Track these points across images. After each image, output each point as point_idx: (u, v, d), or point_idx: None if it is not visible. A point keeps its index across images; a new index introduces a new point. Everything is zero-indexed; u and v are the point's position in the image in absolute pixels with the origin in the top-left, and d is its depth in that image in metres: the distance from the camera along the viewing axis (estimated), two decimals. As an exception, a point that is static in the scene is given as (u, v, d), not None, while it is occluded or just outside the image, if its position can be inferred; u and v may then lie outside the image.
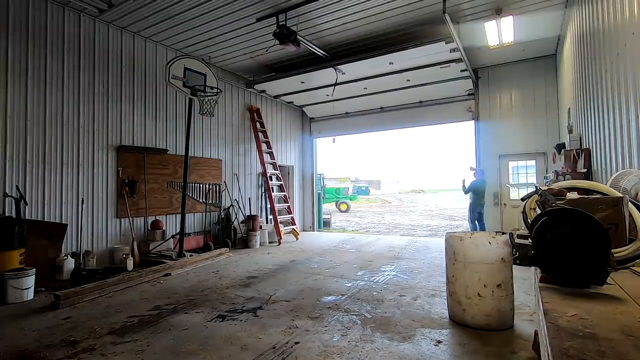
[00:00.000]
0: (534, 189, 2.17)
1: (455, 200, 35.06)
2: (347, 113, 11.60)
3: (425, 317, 3.82)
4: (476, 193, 8.49)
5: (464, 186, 8.67)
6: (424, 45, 6.98)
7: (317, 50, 7.74)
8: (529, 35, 7.28)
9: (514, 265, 3.43)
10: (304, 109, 11.99)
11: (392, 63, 7.97)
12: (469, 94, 9.47)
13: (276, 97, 10.81)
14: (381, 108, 11.01)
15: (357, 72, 8.59)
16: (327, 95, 10.02)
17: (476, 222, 8.48)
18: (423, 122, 10.54)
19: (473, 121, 9.48)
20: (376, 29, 7.15)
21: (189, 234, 7.86)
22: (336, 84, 8.99)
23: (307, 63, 8.64)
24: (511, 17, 6.44)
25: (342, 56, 8.17)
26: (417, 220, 18.19)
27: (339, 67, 8.18)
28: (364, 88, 9.71)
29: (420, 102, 10.29)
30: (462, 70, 8.30)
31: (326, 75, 8.62)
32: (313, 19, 6.64)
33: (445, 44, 6.77)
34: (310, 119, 12.30)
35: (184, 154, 7.00)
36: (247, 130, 9.95)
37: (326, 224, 13.26)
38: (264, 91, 10.20)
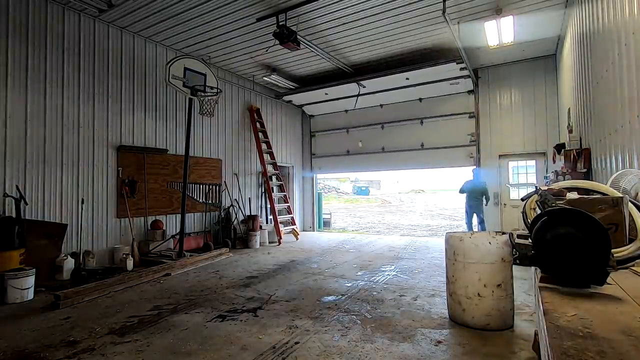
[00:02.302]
0: (534, 189, 2.16)
1: (455, 200, 35.02)
2: (348, 152, 11.54)
3: (425, 317, 3.82)
4: (471, 194, 8.38)
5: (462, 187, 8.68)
6: (438, 65, 8.16)
7: (318, 50, 7.74)
8: (529, 36, 7.28)
9: (514, 265, 3.42)
10: (311, 118, 12.26)
11: (408, 79, 9.07)
12: (471, 141, 9.46)
13: (300, 106, 11.84)
14: (382, 149, 10.89)
15: (375, 86, 9.68)
16: (347, 110, 11.36)
17: (478, 224, 8.41)
18: (423, 165, 10.52)
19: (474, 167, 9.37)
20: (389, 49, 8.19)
21: (189, 234, 7.86)
22: (359, 94, 9.97)
23: (329, 79, 9.75)
24: (511, 17, 6.44)
25: (364, 72, 9.21)
26: (417, 220, 18.18)
27: (361, 82, 9.29)
28: (380, 105, 10.78)
29: (422, 145, 10.25)
30: (466, 77, 8.70)
31: (348, 89, 9.89)
32: (313, 19, 6.64)
33: (456, 64, 7.93)
34: (312, 154, 12.26)
35: (184, 153, 7.01)
36: (247, 130, 9.95)
37: (326, 224, 13.25)
38: (290, 101, 11.42)
